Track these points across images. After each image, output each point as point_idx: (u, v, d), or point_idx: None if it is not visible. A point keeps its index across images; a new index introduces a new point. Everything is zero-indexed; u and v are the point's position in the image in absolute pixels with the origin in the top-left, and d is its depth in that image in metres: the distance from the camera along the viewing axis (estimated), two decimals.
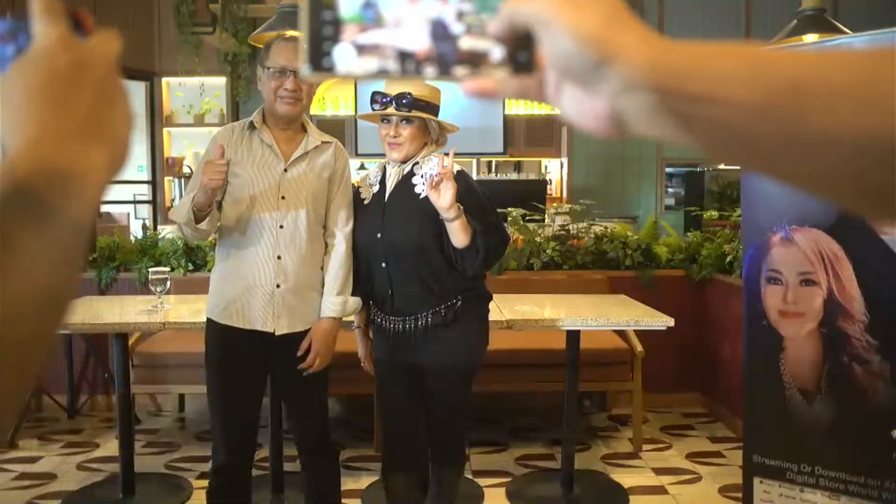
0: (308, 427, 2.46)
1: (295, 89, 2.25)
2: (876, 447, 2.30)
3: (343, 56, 0.47)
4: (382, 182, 2.43)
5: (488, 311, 2.49)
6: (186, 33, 6.87)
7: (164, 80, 7.60)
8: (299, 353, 2.32)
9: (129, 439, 3.14)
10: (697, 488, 3.31)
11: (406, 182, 2.37)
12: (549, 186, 7.88)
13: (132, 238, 4.67)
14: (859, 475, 2.37)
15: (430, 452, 2.53)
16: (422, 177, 2.34)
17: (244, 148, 2.32)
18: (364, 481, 3.33)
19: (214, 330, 2.35)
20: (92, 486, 3.31)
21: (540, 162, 8.61)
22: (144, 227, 4.89)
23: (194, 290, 3.78)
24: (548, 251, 4.31)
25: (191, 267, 4.28)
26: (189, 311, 3.15)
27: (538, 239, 4.40)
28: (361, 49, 0.48)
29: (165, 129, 7.68)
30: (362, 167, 8.04)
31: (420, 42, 0.48)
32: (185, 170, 7.47)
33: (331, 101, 8.19)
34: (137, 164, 7.70)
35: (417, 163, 2.38)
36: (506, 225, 4.52)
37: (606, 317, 2.99)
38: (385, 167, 2.46)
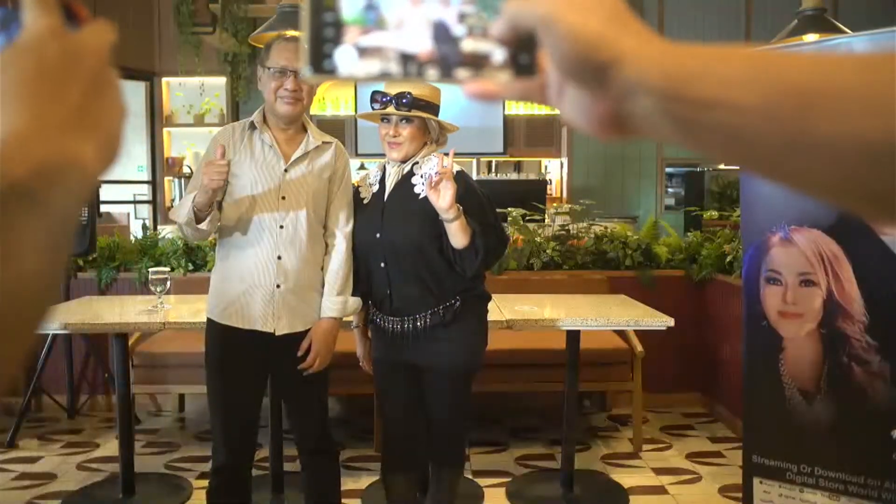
0: (308, 427, 2.46)
1: (295, 89, 2.25)
2: (876, 447, 2.30)
3: (344, 58, 0.47)
4: (382, 182, 2.43)
5: (487, 311, 2.49)
6: (186, 33, 6.87)
7: (164, 80, 7.60)
8: (299, 353, 2.32)
9: (129, 439, 3.14)
10: (697, 488, 3.31)
11: (406, 182, 2.37)
12: (549, 186, 7.88)
13: (132, 238, 4.67)
14: (859, 475, 2.37)
15: (429, 452, 2.53)
16: (421, 177, 2.34)
17: (245, 148, 2.32)
18: (364, 481, 3.33)
19: (215, 330, 2.35)
20: (92, 486, 3.31)
21: (540, 162, 8.61)
22: (144, 227, 4.89)
23: (194, 290, 3.78)
24: (548, 251, 4.31)
25: (191, 267, 4.28)
26: (189, 311, 3.15)
27: (538, 239, 4.40)
28: (363, 51, 0.47)
29: (165, 129, 7.68)
30: (362, 167, 8.04)
31: (422, 44, 0.48)
32: (185, 170, 7.48)
33: (331, 101, 8.19)
34: (137, 164, 7.71)
35: (417, 163, 2.38)
36: (505, 225, 4.55)
37: (606, 317, 2.99)
38: (385, 167, 2.46)
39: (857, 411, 2.35)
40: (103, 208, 5.90)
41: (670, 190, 8.25)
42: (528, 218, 4.62)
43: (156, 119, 7.65)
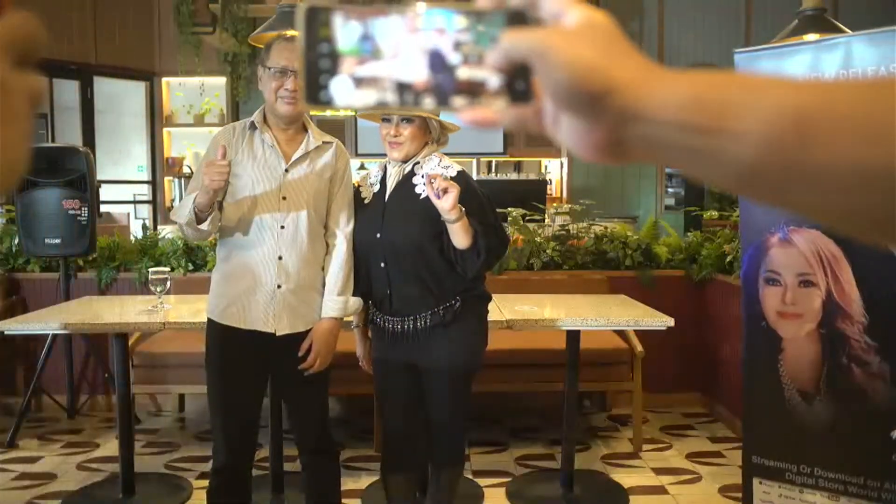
0: (308, 427, 2.46)
1: (295, 89, 2.24)
2: (875, 448, 2.31)
3: (341, 89, 0.48)
4: (383, 182, 2.43)
5: (487, 311, 2.49)
6: (186, 33, 6.87)
7: (164, 80, 7.60)
8: (300, 353, 2.32)
9: (129, 439, 3.14)
10: (697, 488, 3.31)
11: (407, 182, 2.37)
12: (549, 186, 7.88)
13: (132, 238, 4.67)
14: (859, 476, 2.37)
15: (429, 452, 2.53)
16: (422, 177, 2.34)
17: (245, 148, 2.32)
18: (364, 481, 3.33)
19: (215, 330, 2.35)
20: (92, 486, 3.31)
21: (540, 162, 8.61)
22: (144, 227, 4.89)
23: (194, 290, 3.78)
24: (548, 251, 4.31)
25: (191, 267, 4.28)
26: (189, 311, 3.15)
27: (538, 239, 4.40)
28: (359, 81, 0.48)
29: (165, 129, 7.68)
30: (362, 167, 8.04)
31: (418, 73, 0.48)
32: (185, 170, 7.48)
33: None
34: (137, 164, 7.71)
35: (418, 163, 2.37)
36: (505, 225, 4.55)
37: (606, 317, 2.99)
38: (386, 166, 2.45)
39: (857, 412, 2.35)
40: (103, 208, 5.91)
41: (670, 190, 8.24)
42: (528, 218, 4.61)
43: (156, 119, 7.65)
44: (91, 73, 7.11)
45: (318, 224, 2.36)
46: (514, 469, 3.52)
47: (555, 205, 6.93)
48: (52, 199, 3.92)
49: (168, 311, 3.09)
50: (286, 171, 2.31)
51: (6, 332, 2.94)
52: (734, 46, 3.10)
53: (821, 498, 2.45)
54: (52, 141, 6.76)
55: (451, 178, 2.31)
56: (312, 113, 7.62)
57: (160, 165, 7.67)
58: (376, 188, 2.43)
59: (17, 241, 4.22)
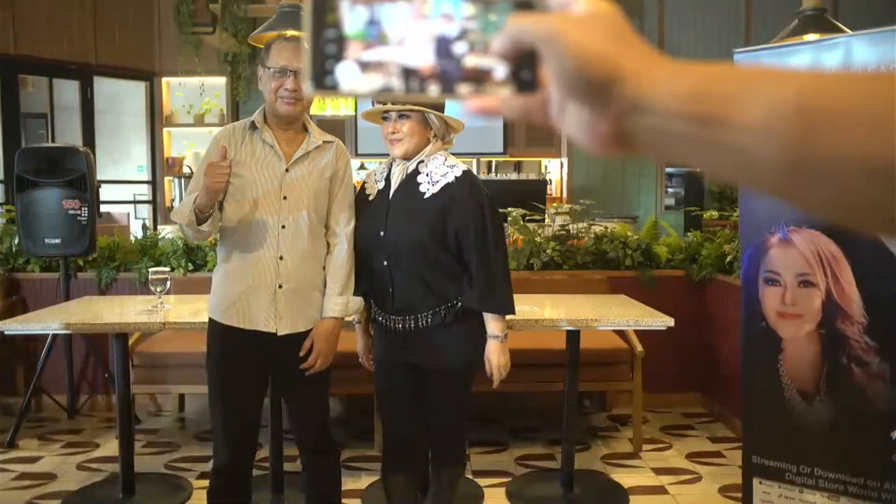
0: (309, 427, 2.46)
1: (295, 89, 2.24)
2: (875, 448, 2.31)
3: (346, 74, 0.47)
4: (388, 179, 2.42)
5: None
6: (186, 33, 6.87)
7: (164, 80, 7.60)
8: (302, 353, 2.32)
9: (129, 439, 3.14)
10: (697, 488, 3.31)
11: (411, 181, 2.36)
12: (549, 186, 7.88)
13: (132, 238, 4.67)
14: (859, 476, 2.37)
15: (430, 452, 2.53)
16: (427, 175, 2.34)
17: (245, 148, 2.32)
18: (364, 481, 3.33)
19: (216, 330, 2.35)
20: (92, 486, 3.31)
21: (540, 162, 8.61)
22: (144, 227, 4.90)
23: (194, 290, 3.78)
24: (548, 251, 4.31)
25: (191, 267, 4.29)
26: (189, 311, 3.15)
27: (538, 239, 4.40)
28: (365, 66, 0.48)
29: (165, 129, 7.69)
30: (362, 167, 8.04)
31: (424, 59, 0.48)
32: (185, 170, 7.48)
33: (331, 101, 8.19)
34: (137, 164, 7.71)
35: (423, 161, 2.37)
36: (505, 225, 4.54)
37: (606, 317, 2.99)
38: (392, 164, 2.45)
39: (857, 412, 2.35)
40: (103, 208, 5.90)
41: (670, 190, 8.24)
42: (528, 218, 4.61)
43: (156, 119, 7.66)
44: (91, 73, 7.11)
45: (319, 224, 2.36)
46: (514, 469, 3.52)
47: (555, 205, 6.93)
48: (52, 199, 3.92)
49: (168, 311, 3.09)
50: (287, 170, 2.31)
51: (6, 332, 2.94)
52: (734, 46, 3.11)
53: (821, 498, 2.46)
54: (52, 141, 6.77)
55: (456, 178, 2.31)
56: (312, 112, 7.62)
57: (160, 165, 7.67)
58: (381, 185, 2.43)
59: (17, 241, 4.22)
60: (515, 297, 2.94)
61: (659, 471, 3.50)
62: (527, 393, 4.31)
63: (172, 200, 7.60)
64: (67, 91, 7.09)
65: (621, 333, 3.91)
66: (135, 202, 7.62)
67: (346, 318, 2.46)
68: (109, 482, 3.31)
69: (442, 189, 2.31)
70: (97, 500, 3.20)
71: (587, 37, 0.45)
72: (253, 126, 2.34)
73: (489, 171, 8.50)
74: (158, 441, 3.92)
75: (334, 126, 7.41)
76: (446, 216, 2.29)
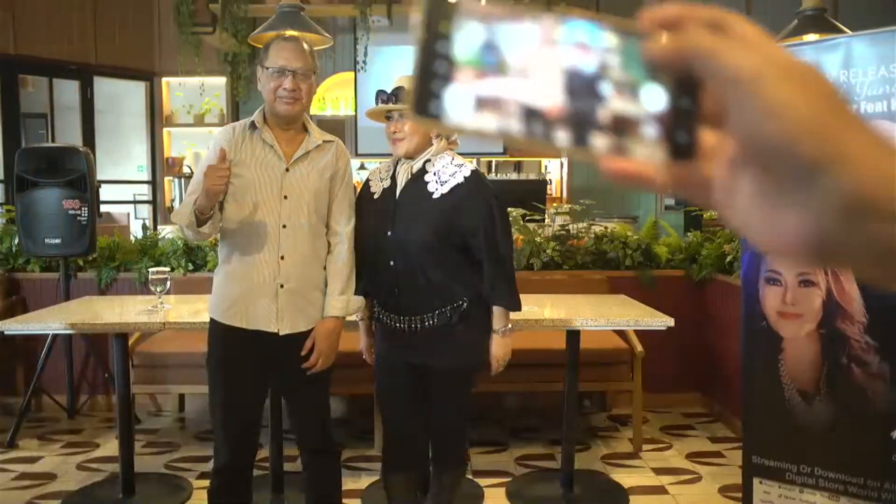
0: (310, 426, 2.45)
1: (294, 89, 2.24)
2: (875, 448, 2.30)
3: (457, 103, 0.38)
4: (394, 178, 2.41)
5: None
6: (186, 33, 6.86)
7: (164, 80, 7.60)
8: (303, 353, 2.32)
9: (129, 439, 3.14)
10: (697, 488, 3.31)
11: (418, 180, 2.36)
12: (549, 186, 7.88)
13: (132, 238, 4.67)
14: (859, 476, 2.37)
15: (430, 452, 2.53)
16: (435, 174, 2.34)
17: (245, 148, 2.32)
18: (364, 481, 3.33)
19: (217, 330, 2.35)
20: (92, 486, 3.31)
21: (540, 162, 8.61)
22: (144, 227, 4.90)
23: (194, 290, 3.78)
24: (548, 251, 4.31)
25: (191, 267, 4.28)
26: (189, 311, 3.15)
27: (538, 239, 4.40)
28: (478, 100, 0.38)
29: (165, 129, 7.69)
30: (362, 167, 8.04)
31: (551, 98, 0.38)
32: (185, 170, 7.48)
33: (331, 101, 8.19)
34: (137, 164, 7.71)
35: (430, 160, 2.37)
36: None
37: (606, 317, 2.99)
38: (397, 162, 2.44)
39: (857, 412, 2.35)
40: (103, 208, 5.90)
41: None
42: (528, 218, 4.61)
43: (156, 119, 7.66)
44: (91, 73, 7.11)
45: (320, 223, 2.35)
46: (514, 469, 3.52)
47: (555, 205, 6.93)
48: (52, 199, 3.92)
49: (168, 311, 3.09)
50: (287, 170, 2.31)
51: (6, 332, 2.94)
52: None
53: (821, 498, 2.45)
54: (52, 141, 6.77)
55: (465, 178, 2.32)
56: (312, 112, 7.62)
57: (160, 165, 7.67)
58: (386, 184, 2.42)
59: (17, 241, 4.22)
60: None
61: (659, 471, 3.50)
62: (527, 393, 4.31)
63: (172, 200, 7.60)
64: (67, 91, 7.09)
65: (621, 333, 3.91)
66: (135, 202, 7.62)
67: (348, 318, 2.46)
68: (109, 482, 3.31)
69: (451, 190, 2.31)
70: (97, 500, 3.20)
71: (803, 97, 0.33)
72: (253, 126, 2.34)
73: (489, 171, 8.51)
74: (158, 441, 3.92)
75: (334, 126, 7.41)
76: (455, 217, 2.29)
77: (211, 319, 2.37)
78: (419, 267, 2.31)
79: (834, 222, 0.34)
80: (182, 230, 2.34)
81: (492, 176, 8.27)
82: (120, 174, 7.57)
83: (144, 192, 7.70)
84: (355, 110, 8.04)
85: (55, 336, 3.98)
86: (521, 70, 0.38)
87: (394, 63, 7.70)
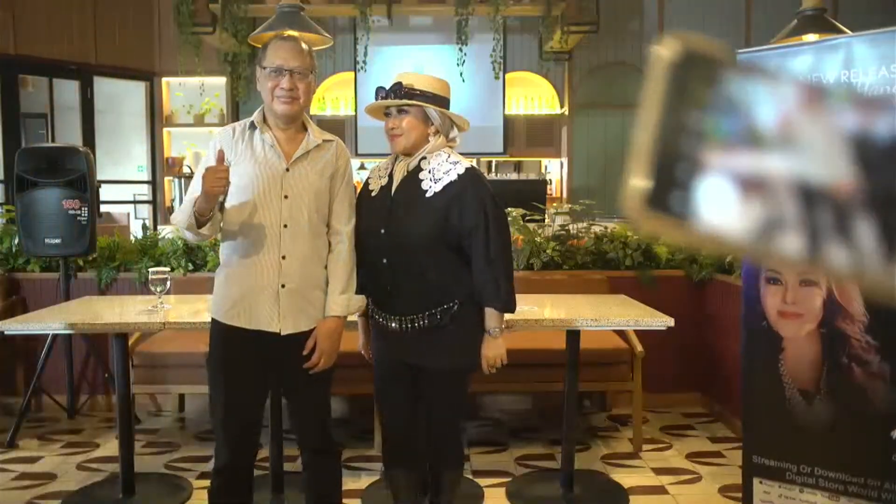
0: (311, 426, 2.45)
1: (291, 88, 2.24)
2: (876, 448, 2.30)
3: (711, 196, 0.28)
4: (391, 176, 2.41)
5: None
6: (186, 33, 6.87)
7: (164, 80, 7.60)
8: (305, 353, 2.31)
9: (129, 439, 3.14)
10: (697, 488, 3.31)
11: (413, 178, 2.35)
12: (549, 186, 7.88)
13: (132, 238, 4.67)
14: (859, 476, 2.37)
15: (429, 454, 2.53)
16: (430, 172, 2.33)
17: (245, 148, 2.32)
18: (364, 481, 3.33)
19: (219, 330, 2.35)
20: (92, 486, 3.31)
21: (540, 162, 8.61)
22: (144, 227, 4.90)
23: (194, 290, 3.78)
24: (548, 251, 4.31)
25: (191, 267, 4.28)
26: (189, 311, 3.15)
27: (538, 239, 4.40)
28: (741, 185, 0.28)
29: (165, 129, 7.69)
30: (362, 167, 8.04)
31: (834, 171, 0.27)
32: (185, 170, 7.48)
33: (331, 101, 8.19)
34: (137, 164, 7.72)
35: (425, 158, 2.36)
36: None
37: (606, 317, 2.99)
38: (395, 160, 2.43)
39: (857, 412, 2.35)
40: (103, 208, 5.91)
41: None
42: (528, 218, 4.61)
43: (156, 119, 7.66)
44: (91, 73, 7.12)
45: (321, 223, 2.35)
46: (514, 469, 3.52)
47: (555, 205, 6.93)
48: (52, 199, 3.92)
49: (168, 311, 3.09)
50: (287, 170, 2.31)
51: (6, 332, 2.94)
52: (734, 46, 3.11)
53: (821, 498, 2.45)
54: (52, 141, 6.77)
55: (459, 176, 2.30)
56: (312, 112, 7.62)
57: (160, 165, 7.68)
58: (384, 182, 2.41)
59: (17, 241, 4.22)
60: (516, 297, 2.92)
61: (659, 471, 3.50)
62: (527, 393, 4.31)
63: (172, 200, 7.60)
64: (67, 91, 7.09)
65: (621, 333, 3.91)
66: (135, 202, 7.62)
67: (349, 319, 2.46)
68: (109, 482, 3.31)
69: (444, 188, 2.30)
70: (97, 500, 3.20)
71: None
72: (252, 126, 2.34)
73: (489, 170, 8.51)
74: (158, 441, 3.92)
75: (334, 126, 7.42)
76: (449, 216, 2.27)
77: (212, 320, 2.37)
78: (411, 266, 2.30)
79: None
80: (182, 232, 2.34)
81: (492, 176, 8.27)
82: (120, 174, 7.57)
83: (144, 192, 7.70)
84: (355, 110, 8.04)
85: (55, 336, 3.97)
86: (785, 138, 0.28)
87: (394, 63, 7.71)
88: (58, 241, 3.92)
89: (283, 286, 2.28)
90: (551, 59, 7.83)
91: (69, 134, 7.05)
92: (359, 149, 7.90)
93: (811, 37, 3.80)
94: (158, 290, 3.10)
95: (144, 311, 3.07)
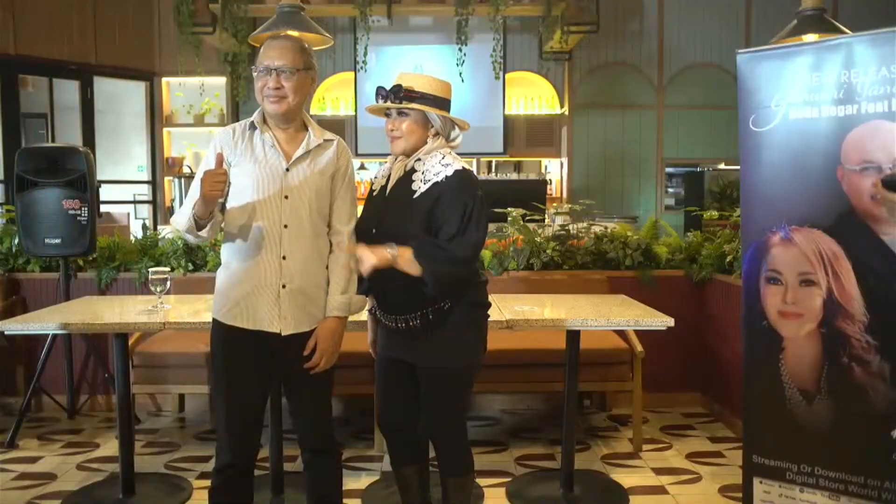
0: (311, 426, 2.45)
1: (277, 87, 2.24)
2: (876, 447, 2.30)
3: None
4: (389, 176, 2.42)
5: (484, 317, 2.44)
6: (186, 33, 6.87)
7: (164, 80, 7.61)
8: (306, 353, 2.31)
9: (129, 439, 3.14)
10: (697, 488, 3.31)
11: (407, 178, 2.35)
12: (549, 186, 7.89)
13: (132, 238, 4.68)
14: (859, 475, 2.37)
15: (435, 456, 2.52)
16: (422, 174, 2.33)
17: (245, 148, 2.31)
18: (364, 481, 3.33)
19: (220, 331, 2.34)
20: (92, 486, 3.31)
21: (540, 162, 8.62)
22: (144, 227, 4.90)
23: (194, 290, 3.78)
24: (548, 251, 4.31)
25: (191, 267, 4.29)
26: (189, 311, 3.15)
27: (538, 239, 4.40)
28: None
29: (165, 129, 7.70)
30: (362, 167, 8.04)
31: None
32: (185, 170, 7.49)
33: (331, 101, 8.20)
34: (137, 164, 7.72)
35: (420, 159, 2.36)
36: (505, 225, 4.54)
37: (606, 317, 2.99)
38: (395, 160, 2.43)
39: (857, 411, 2.35)
40: (103, 208, 5.91)
41: (670, 190, 8.25)
42: (528, 218, 4.61)
43: (156, 119, 7.66)
44: (91, 73, 7.12)
45: (322, 222, 2.35)
46: (514, 469, 3.52)
47: (555, 205, 6.93)
48: (52, 199, 3.92)
49: (168, 311, 3.09)
50: (287, 170, 2.31)
51: (6, 332, 2.94)
52: (734, 46, 3.11)
53: (821, 497, 2.45)
54: (52, 141, 6.77)
55: (446, 177, 2.28)
56: (312, 113, 7.62)
57: (160, 165, 7.68)
58: (383, 182, 2.43)
59: (17, 241, 4.22)
60: (515, 297, 2.93)
61: (659, 471, 3.50)
62: (527, 393, 4.31)
63: (172, 200, 7.60)
64: (67, 91, 7.09)
65: (621, 333, 3.91)
66: (135, 202, 7.62)
67: (350, 319, 2.46)
68: (109, 482, 3.31)
69: (430, 189, 2.29)
70: (97, 500, 3.20)
71: None
72: (252, 126, 2.34)
73: (489, 171, 8.52)
74: (158, 441, 3.92)
75: (334, 126, 7.42)
76: (431, 217, 2.27)
77: (213, 320, 2.37)
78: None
79: None
80: (182, 234, 2.34)
81: (492, 176, 8.28)
82: (120, 174, 7.58)
83: (144, 192, 7.71)
84: (355, 110, 8.04)
85: (55, 336, 3.98)
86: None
87: (394, 63, 7.71)
88: (58, 241, 3.93)
89: (283, 286, 2.28)
90: (551, 59, 7.83)
91: (69, 134, 7.05)
92: (359, 149, 7.90)
93: (811, 37, 3.80)
94: (158, 290, 3.11)
95: (144, 311, 3.07)
